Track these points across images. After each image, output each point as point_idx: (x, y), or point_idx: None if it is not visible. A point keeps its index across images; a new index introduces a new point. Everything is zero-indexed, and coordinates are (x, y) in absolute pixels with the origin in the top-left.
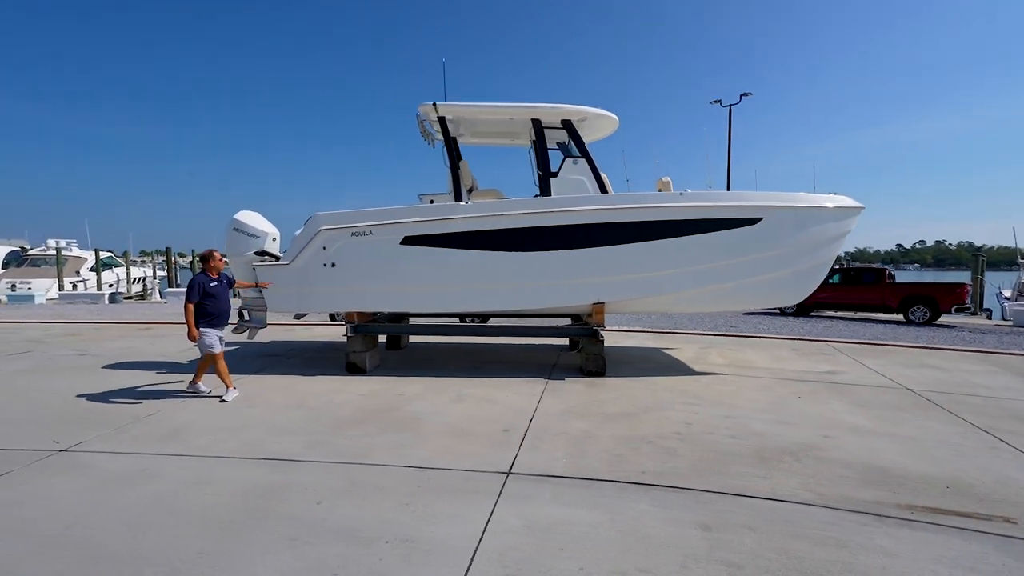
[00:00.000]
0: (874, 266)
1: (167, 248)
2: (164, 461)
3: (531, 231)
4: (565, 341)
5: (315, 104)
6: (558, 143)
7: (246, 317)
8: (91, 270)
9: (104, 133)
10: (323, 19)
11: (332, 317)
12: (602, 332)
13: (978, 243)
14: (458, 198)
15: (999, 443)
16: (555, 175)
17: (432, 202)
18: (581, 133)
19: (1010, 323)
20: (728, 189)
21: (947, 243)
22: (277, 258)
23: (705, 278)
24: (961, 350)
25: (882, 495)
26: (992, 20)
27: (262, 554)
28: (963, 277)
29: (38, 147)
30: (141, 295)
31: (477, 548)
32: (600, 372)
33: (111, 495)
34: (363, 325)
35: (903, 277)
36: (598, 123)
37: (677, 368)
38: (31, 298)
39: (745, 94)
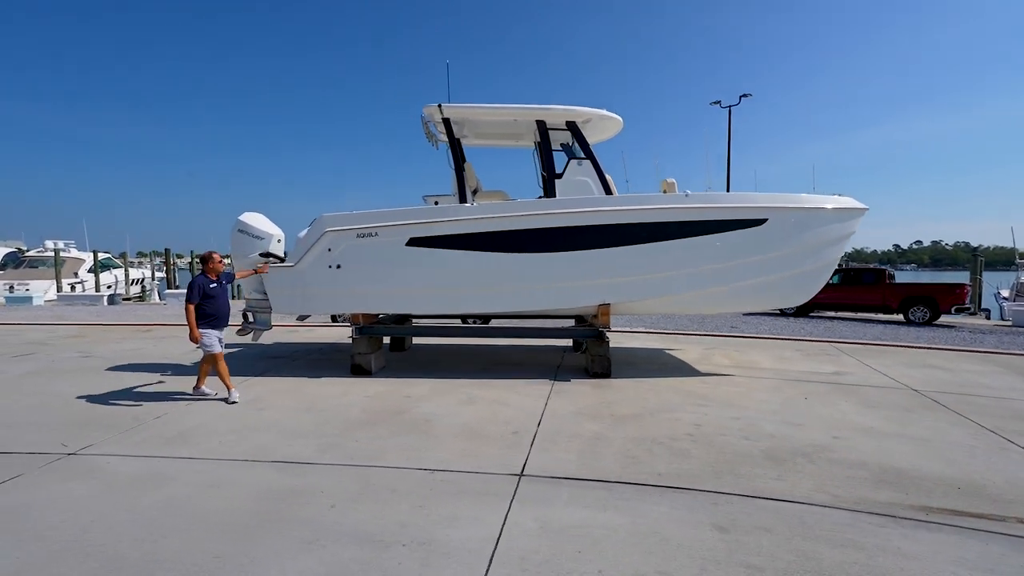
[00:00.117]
0: (874, 266)
1: (166, 249)
2: (175, 464)
3: (537, 232)
4: (568, 342)
5: (315, 104)
6: (561, 144)
7: (250, 319)
8: (89, 271)
9: (103, 133)
10: (323, 19)
11: (334, 318)
12: (607, 333)
13: (974, 243)
14: (463, 199)
15: (1008, 444)
16: (560, 176)
17: (436, 203)
18: (585, 134)
19: (1009, 323)
20: (728, 190)
21: (944, 243)
22: (282, 259)
23: (711, 279)
24: (962, 350)
25: (896, 496)
26: (991, 20)
27: (279, 558)
28: (960, 277)
29: (35, 148)
30: (140, 296)
31: (495, 551)
32: (606, 373)
33: (125, 499)
34: (368, 327)
35: (901, 277)
36: (602, 124)
37: (682, 369)
38: (29, 299)
39: (745, 95)
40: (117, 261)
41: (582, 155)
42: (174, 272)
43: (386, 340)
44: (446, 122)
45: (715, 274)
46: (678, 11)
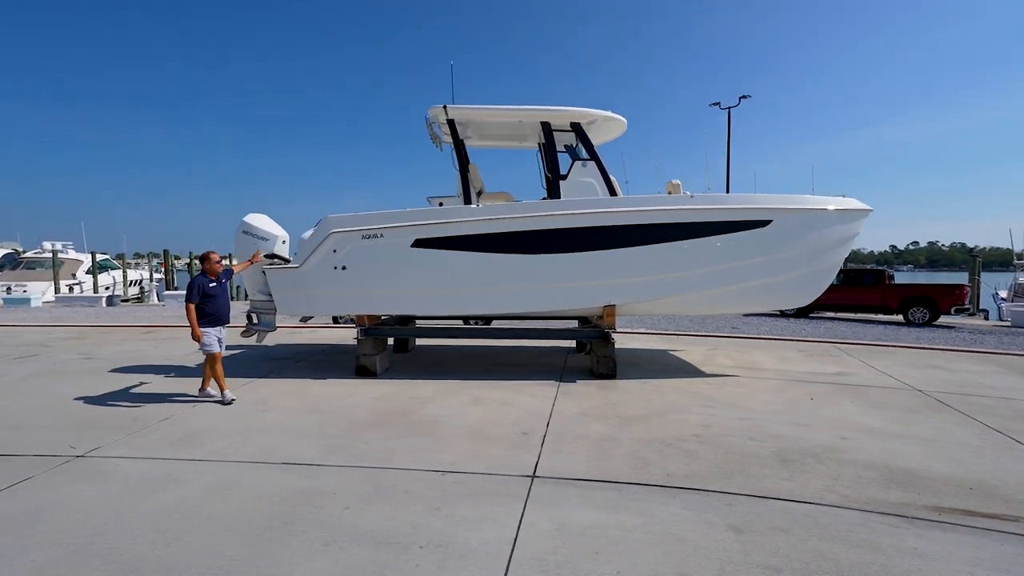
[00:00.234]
0: (874, 267)
1: (164, 250)
2: (184, 466)
3: (543, 233)
4: (571, 343)
5: (315, 104)
6: (565, 146)
7: (254, 320)
8: (87, 272)
9: (102, 134)
10: (323, 19)
11: (335, 319)
12: (613, 334)
13: (971, 243)
14: (467, 201)
15: (1016, 444)
16: (564, 178)
17: (441, 205)
18: (590, 136)
19: (1008, 323)
20: (727, 190)
21: (940, 244)
22: (287, 261)
23: (716, 280)
24: (963, 351)
25: (908, 496)
26: (988, 19)
27: (296, 560)
28: (956, 278)
29: (33, 149)
30: (138, 298)
31: (512, 552)
32: (611, 374)
33: (136, 501)
34: (374, 328)
35: (898, 278)
36: (606, 126)
37: (686, 370)
38: (27, 301)
39: (744, 96)
40: (115, 262)
41: (586, 156)
42: (172, 273)
43: (390, 341)
44: (451, 123)
45: (720, 275)
46: (678, 11)
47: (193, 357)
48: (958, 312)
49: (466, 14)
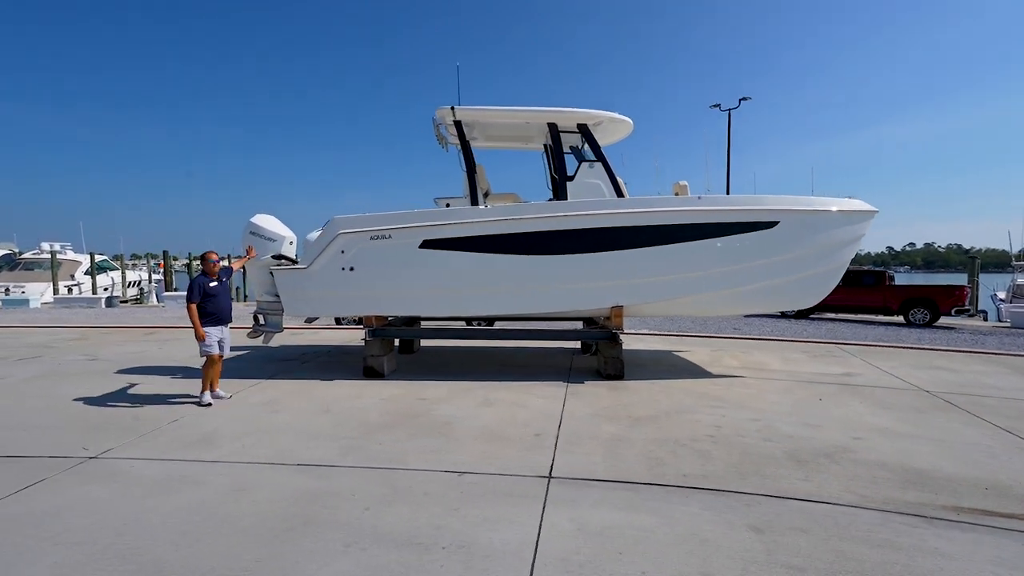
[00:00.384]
0: (875, 268)
1: (164, 251)
2: (199, 467)
3: (552, 235)
4: (576, 344)
5: (315, 104)
6: (571, 147)
7: (261, 321)
8: (86, 273)
9: (101, 135)
10: (323, 19)
11: (338, 320)
12: (621, 335)
13: (967, 245)
14: (474, 202)
15: None
16: (571, 179)
17: (448, 206)
18: (596, 137)
19: (1008, 324)
20: (727, 191)
21: (936, 245)
22: (294, 261)
23: (723, 281)
24: (965, 351)
25: (925, 496)
26: (989, 19)
27: (320, 562)
28: (953, 279)
29: (31, 150)
30: (137, 299)
31: (536, 553)
32: (619, 375)
33: (153, 503)
34: (381, 329)
35: (895, 279)
36: (613, 127)
37: (693, 371)
38: (26, 302)
39: (744, 98)
40: (114, 263)
41: (593, 157)
42: (171, 274)
43: (395, 342)
44: (457, 124)
45: (728, 276)
46: (678, 11)
47: (197, 359)
48: (958, 313)
49: (466, 14)
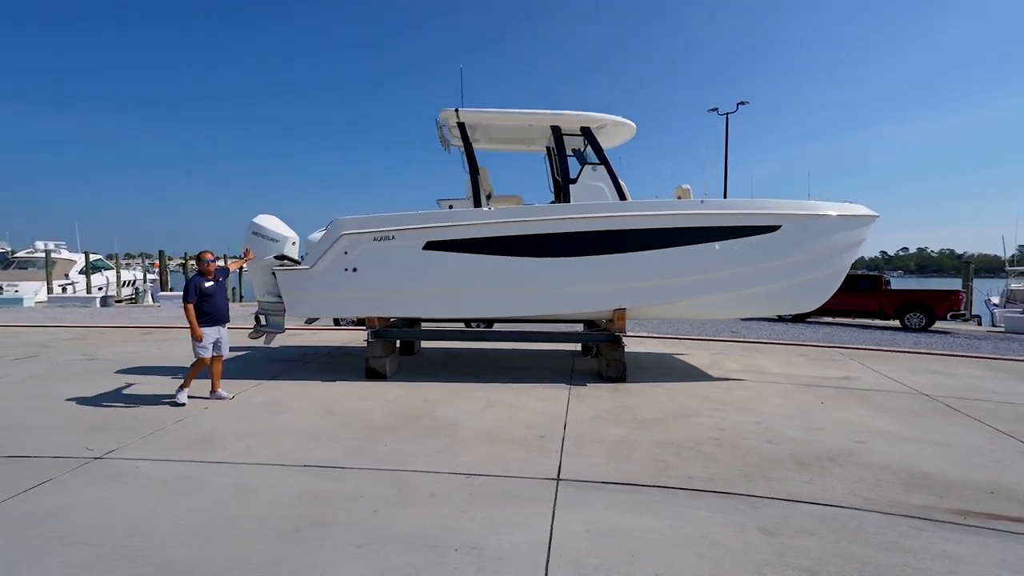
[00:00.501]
0: (869, 273)
1: (160, 251)
2: (205, 468)
3: (556, 237)
4: (576, 346)
5: (315, 104)
6: (573, 150)
7: (262, 322)
8: (80, 273)
9: (100, 135)
10: (323, 19)
11: (336, 321)
12: (623, 338)
13: (959, 250)
14: (477, 204)
15: None
16: (574, 181)
17: (451, 207)
18: (599, 140)
19: (1002, 329)
20: (725, 194)
21: (929, 250)
22: (297, 262)
23: (726, 285)
24: (961, 355)
25: (930, 500)
26: (989, 19)
27: (332, 563)
28: (945, 284)
29: (29, 150)
30: (131, 298)
31: (549, 555)
32: (621, 378)
33: (161, 503)
34: (384, 330)
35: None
36: (616, 130)
37: (694, 374)
38: (19, 301)
39: (742, 103)
40: (109, 263)
41: (595, 160)
42: (167, 274)
43: (396, 343)
44: (461, 126)
45: (730, 280)
46: (678, 11)
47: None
48: (953, 318)
49: (466, 14)
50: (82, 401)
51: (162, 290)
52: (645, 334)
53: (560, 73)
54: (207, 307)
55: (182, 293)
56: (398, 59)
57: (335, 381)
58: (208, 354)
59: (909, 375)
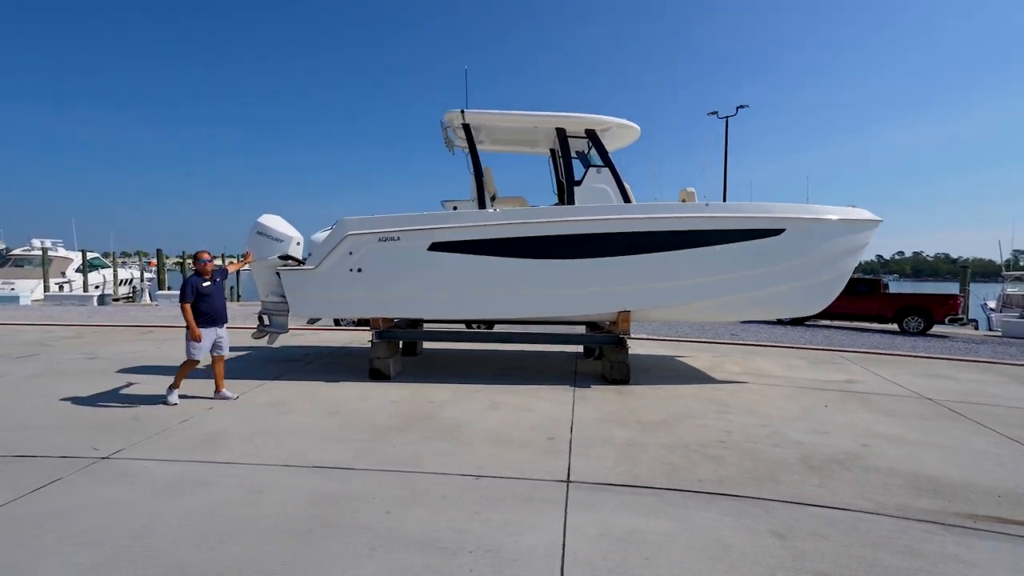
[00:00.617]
0: (866, 276)
1: (158, 250)
2: (213, 469)
3: (561, 239)
4: (579, 348)
5: (315, 104)
6: (577, 152)
7: (266, 322)
8: (77, 271)
9: (101, 134)
10: (323, 19)
11: (336, 322)
12: (628, 340)
13: (954, 254)
14: (482, 205)
15: None
16: (579, 184)
17: (455, 208)
18: (604, 142)
19: (999, 333)
20: (724, 197)
21: (924, 254)
22: (301, 262)
23: (729, 287)
24: (961, 359)
25: (939, 504)
26: (989, 19)
27: (345, 565)
28: (941, 288)
29: (28, 149)
30: (129, 297)
31: (563, 558)
32: (625, 380)
33: (170, 504)
34: (388, 331)
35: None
36: (620, 133)
37: (697, 376)
38: (15, 299)
39: (741, 106)
40: (106, 261)
41: (600, 163)
42: (164, 272)
43: (399, 344)
44: (466, 128)
45: (733, 283)
46: (678, 11)
47: None
48: (951, 322)
49: (466, 14)
50: (86, 401)
51: (160, 289)
52: (646, 336)
53: (560, 73)
54: (204, 307)
55: (179, 293)
56: (398, 59)
57: (338, 382)
58: (200, 356)
59: (912, 379)
